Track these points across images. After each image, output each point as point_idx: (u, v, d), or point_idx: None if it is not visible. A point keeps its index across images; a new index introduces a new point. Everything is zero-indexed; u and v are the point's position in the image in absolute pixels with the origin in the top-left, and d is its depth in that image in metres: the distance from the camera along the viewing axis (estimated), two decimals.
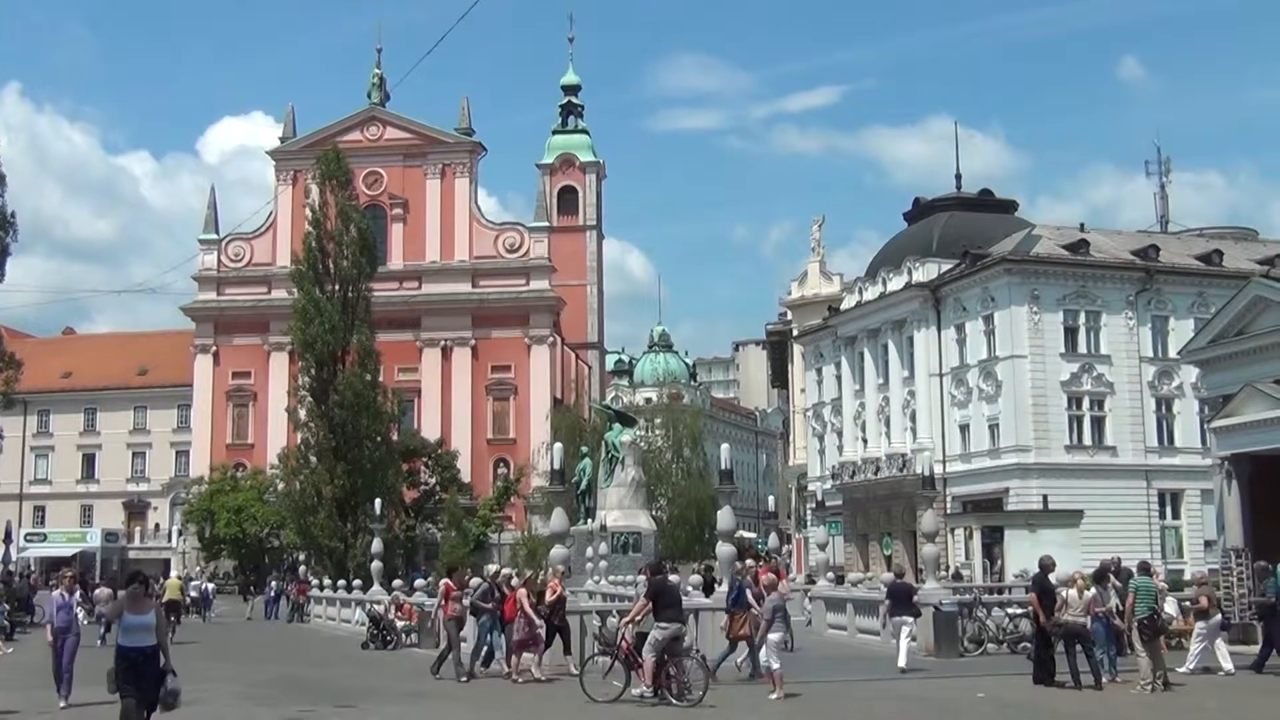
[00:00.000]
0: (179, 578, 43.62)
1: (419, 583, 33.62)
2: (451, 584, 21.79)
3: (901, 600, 21.50)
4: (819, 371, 62.87)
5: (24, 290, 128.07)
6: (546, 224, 78.80)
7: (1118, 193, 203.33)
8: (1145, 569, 20.03)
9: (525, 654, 19.63)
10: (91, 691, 17.34)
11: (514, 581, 21.07)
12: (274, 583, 49.72)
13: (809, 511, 64.08)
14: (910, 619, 21.16)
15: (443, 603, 21.62)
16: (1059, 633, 18.44)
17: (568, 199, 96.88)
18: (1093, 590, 19.31)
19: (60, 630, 16.89)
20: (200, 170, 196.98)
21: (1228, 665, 19.75)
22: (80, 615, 19.68)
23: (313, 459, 51.56)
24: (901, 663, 20.36)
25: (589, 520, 35.20)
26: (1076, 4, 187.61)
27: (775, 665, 17.40)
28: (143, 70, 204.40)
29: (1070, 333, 48.35)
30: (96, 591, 35.58)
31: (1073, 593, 18.30)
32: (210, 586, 47.50)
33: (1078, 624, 18.09)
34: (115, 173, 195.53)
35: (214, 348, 76.34)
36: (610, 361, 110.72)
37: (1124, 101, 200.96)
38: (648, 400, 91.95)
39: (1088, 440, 47.99)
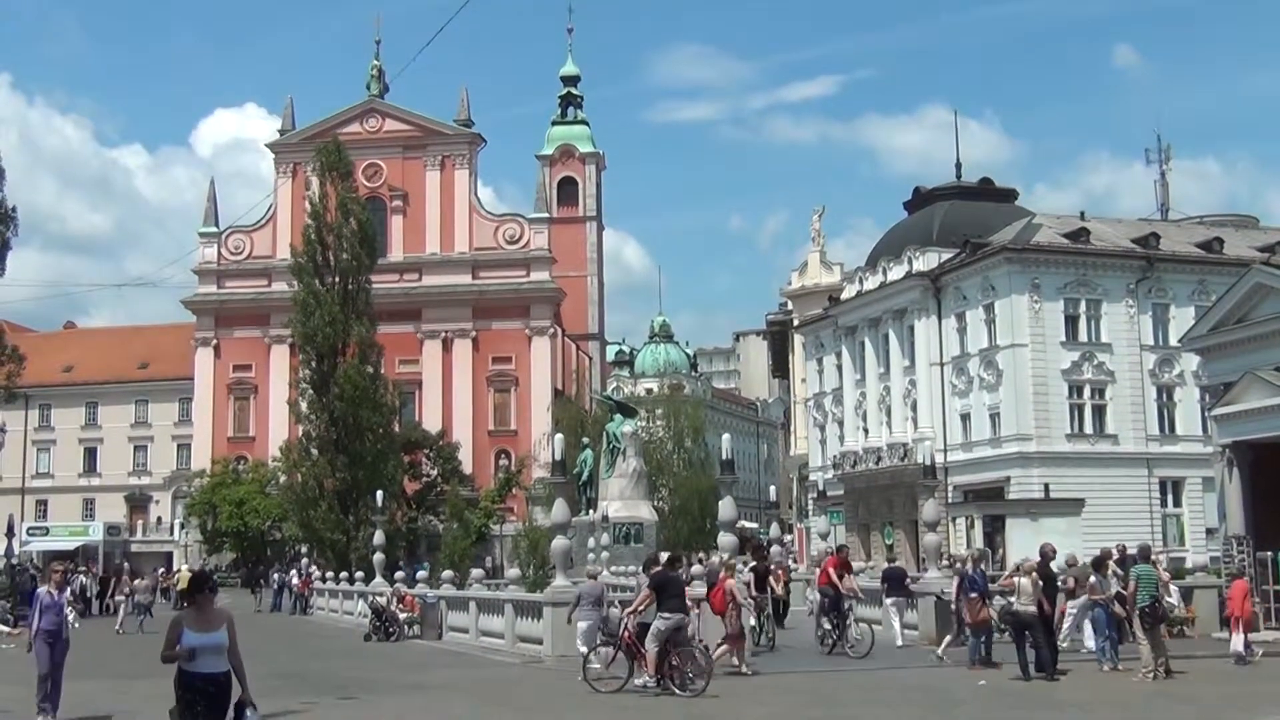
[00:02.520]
0: (190, 569, 44.33)
1: (420, 574, 33.69)
2: None
3: (895, 583, 22.62)
4: (820, 361, 62.87)
5: (23, 285, 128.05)
6: (546, 215, 78.77)
7: (1115, 180, 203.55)
8: (1146, 556, 20.03)
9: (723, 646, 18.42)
10: (88, 688, 17.23)
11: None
12: (276, 575, 49.84)
13: (810, 501, 64.13)
14: (903, 600, 22.45)
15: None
16: (1010, 621, 18.49)
17: (567, 190, 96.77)
18: (1094, 578, 19.33)
19: (49, 634, 14.35)
20: (193, 163, 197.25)
21: (1091, 645, 20.24)
22: (71, 617, 16.86)
23: (314, 451, 51.63)
24: (898, 641, 21.64)
25: (590, 511, 35.15)
26: None
27: (583, 649, 18.10)
28: (134, 62, 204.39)
29: (1071, 321, 48.31)
30: (136, 582, 36.06)
31: (1024, 581, 18.20)
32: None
33: (1029, 613, 18.04)
34: (108, 166, 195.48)
35: (215, 341, 76.39)
36: (611, 352, 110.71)
37: (1119, 89, 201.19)
38: (649, 391, 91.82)
39: (1089, 429, 47.97)
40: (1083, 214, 54.03)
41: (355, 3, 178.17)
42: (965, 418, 50.38)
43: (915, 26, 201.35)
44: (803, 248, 73.36)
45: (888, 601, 22.74)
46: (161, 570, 55.89)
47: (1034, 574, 18.38)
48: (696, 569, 23.28)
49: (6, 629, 20.62)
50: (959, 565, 21.06)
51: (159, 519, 79.09)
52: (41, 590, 15.06)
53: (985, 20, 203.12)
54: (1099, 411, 48.19)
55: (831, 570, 21.90)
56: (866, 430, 57.35)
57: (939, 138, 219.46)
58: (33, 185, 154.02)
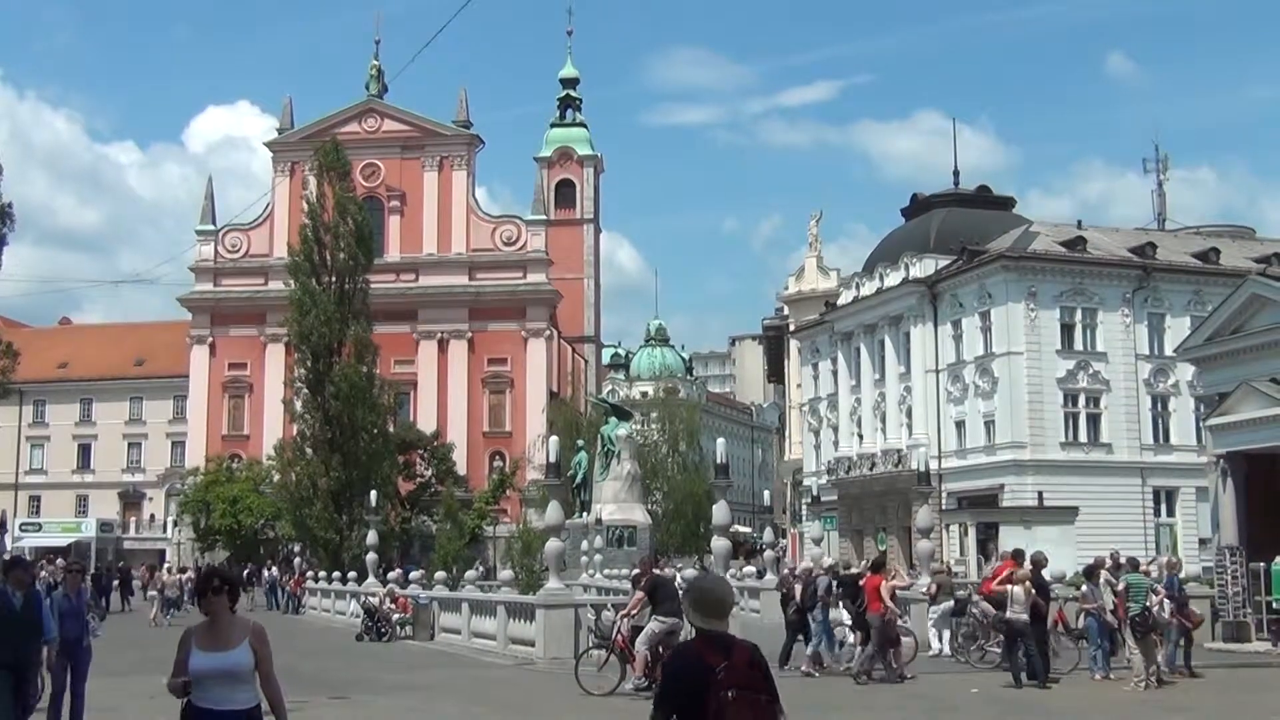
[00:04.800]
0: (180, 568, 44.56)
1: (414, 575, 33.65)
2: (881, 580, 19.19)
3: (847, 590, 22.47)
4: (815, 367, 62.91)
5: (18, 280, 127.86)
6: (544, 217, 78.66)
7: (1108, 188, 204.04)
8: (1134, 566, 20.06)
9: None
10: (116, 686, 17.15)
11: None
12: (265, 574, 49.71)
13: (804, 507, 64.16)
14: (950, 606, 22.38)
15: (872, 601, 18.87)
16: (1003, 629, 18.50)
17: (565, 192, 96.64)
18: (1086, 587, 19.32)
19: (69, 644, 11.96)
20: (186, 160, 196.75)
21: (937, 647, 21.57)
22: (92, 623, 14.48)
23: (308, 451, 51.50)
24: (946, 650, 21.85)
25: (584, 513, 35.29)
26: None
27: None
28: (126, 57, 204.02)
29: (1067, 330, 48.39)
30: (166, 577, 36.08)
31: (1017, 590, 18.21)
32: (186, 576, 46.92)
33: (1021, 621, 18.05)
34: (100, 161, 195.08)
35: (210, 339, 76.20)
36: (606, 355, 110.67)
37: (1113, 97, 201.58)
38: (644, 394, 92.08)
39: (1083, 437, 48.04)
40: (1080, 223, 54.16)
41: (354, 2, 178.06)
42: (960, 425, 50.43)
43: (911, 33, 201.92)
44: (797, 252, 73.81)
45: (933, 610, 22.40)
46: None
47: (1027, 582, 18.40)
48: (689, 573, 23.31)
49: None
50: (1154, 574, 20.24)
51: (152, 516, 78.95)
52: (57, 594, 12.91)
53: (980, 27, 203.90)
54: (1094, 420, 48.27)
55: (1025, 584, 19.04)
56: (861, 436, 57.40)
57: (933, 144, 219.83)
58: (24, 180, 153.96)
